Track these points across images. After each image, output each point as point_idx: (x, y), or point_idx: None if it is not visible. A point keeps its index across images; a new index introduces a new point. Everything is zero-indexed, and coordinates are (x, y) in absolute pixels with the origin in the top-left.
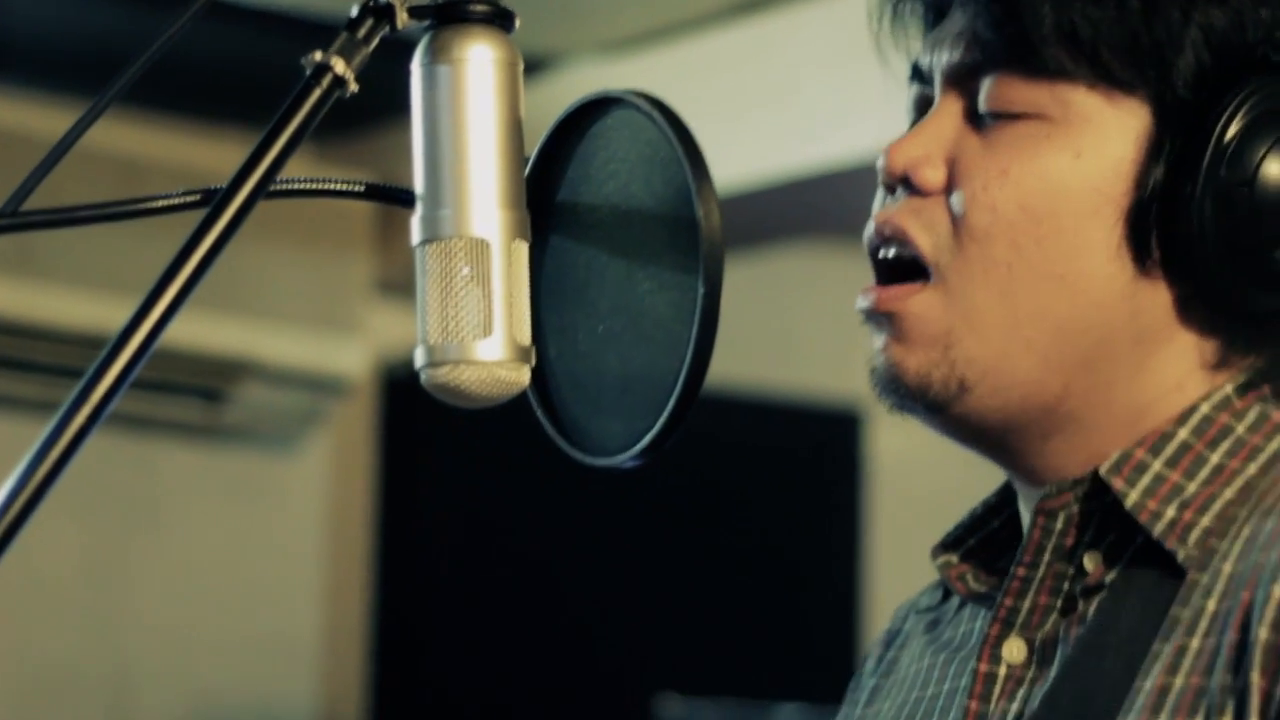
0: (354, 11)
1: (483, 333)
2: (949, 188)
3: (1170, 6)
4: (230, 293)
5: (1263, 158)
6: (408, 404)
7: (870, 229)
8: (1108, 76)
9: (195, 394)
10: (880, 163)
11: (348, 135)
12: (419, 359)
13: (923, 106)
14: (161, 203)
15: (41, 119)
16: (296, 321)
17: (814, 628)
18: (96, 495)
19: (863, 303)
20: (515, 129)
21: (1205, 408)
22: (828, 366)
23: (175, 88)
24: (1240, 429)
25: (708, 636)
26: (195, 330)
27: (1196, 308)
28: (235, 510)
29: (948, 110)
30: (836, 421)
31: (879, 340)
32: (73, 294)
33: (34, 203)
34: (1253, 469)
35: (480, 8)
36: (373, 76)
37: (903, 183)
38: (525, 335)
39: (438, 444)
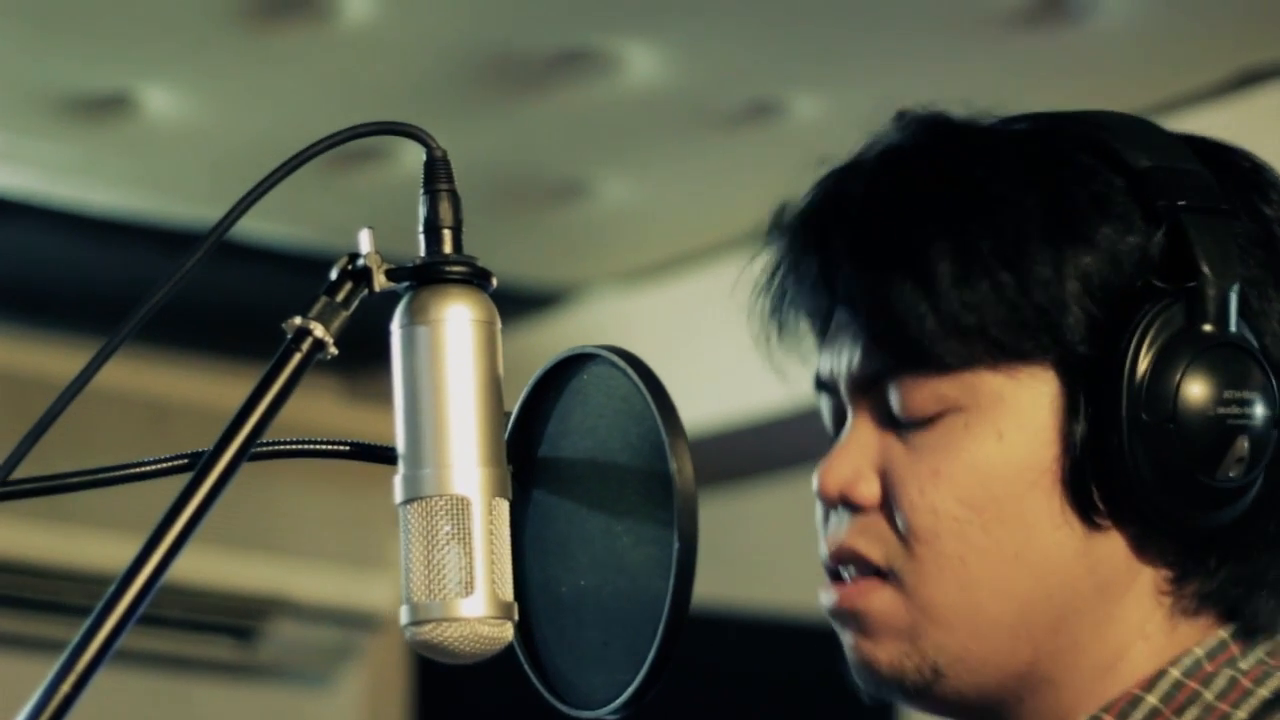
0: (333, 274)
1: (465, 590)
2: (885, 497)
3: (1041, 266)
4: (259, 532)
5: (1176, 388)
6: None
7: (824, 553)
8: (1005, 354)
9: (228, 632)
10: (814, 485)
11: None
12: (404, 617)
13: (838, 417)
14: (149, 468)
15: (64, 363)
16: (326, 558)
17: None
18: None
19: (826, 601)
20: (494, 386)
21: (1175, 672)
22: None
23: (197, 327)
24: (1209, 695)
25: None
26: (226, 569)
27: (1151, 543)
28: None
29: (863, 421)
30: None
31: (848, 637)
32: (100, 537)
33: (61, 447)
34: None
35: (457, 269)
36: None
37: (841, 503)
38: (508, 591)
39: (473, 677)
